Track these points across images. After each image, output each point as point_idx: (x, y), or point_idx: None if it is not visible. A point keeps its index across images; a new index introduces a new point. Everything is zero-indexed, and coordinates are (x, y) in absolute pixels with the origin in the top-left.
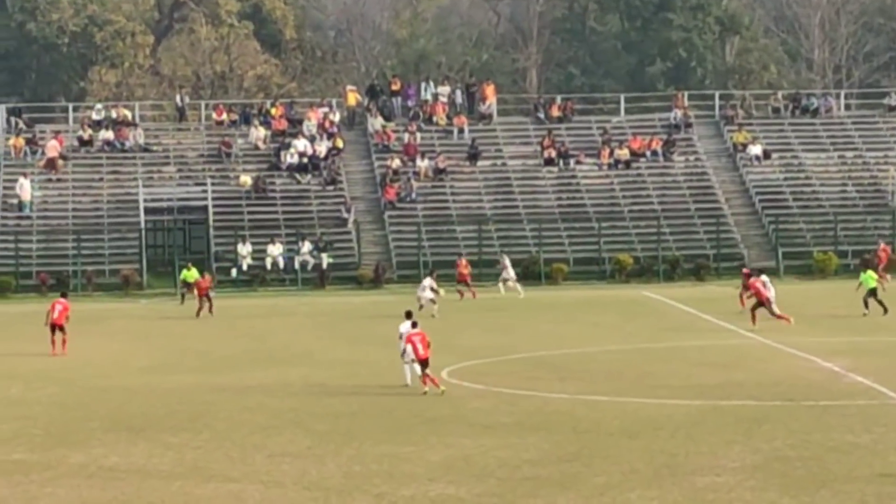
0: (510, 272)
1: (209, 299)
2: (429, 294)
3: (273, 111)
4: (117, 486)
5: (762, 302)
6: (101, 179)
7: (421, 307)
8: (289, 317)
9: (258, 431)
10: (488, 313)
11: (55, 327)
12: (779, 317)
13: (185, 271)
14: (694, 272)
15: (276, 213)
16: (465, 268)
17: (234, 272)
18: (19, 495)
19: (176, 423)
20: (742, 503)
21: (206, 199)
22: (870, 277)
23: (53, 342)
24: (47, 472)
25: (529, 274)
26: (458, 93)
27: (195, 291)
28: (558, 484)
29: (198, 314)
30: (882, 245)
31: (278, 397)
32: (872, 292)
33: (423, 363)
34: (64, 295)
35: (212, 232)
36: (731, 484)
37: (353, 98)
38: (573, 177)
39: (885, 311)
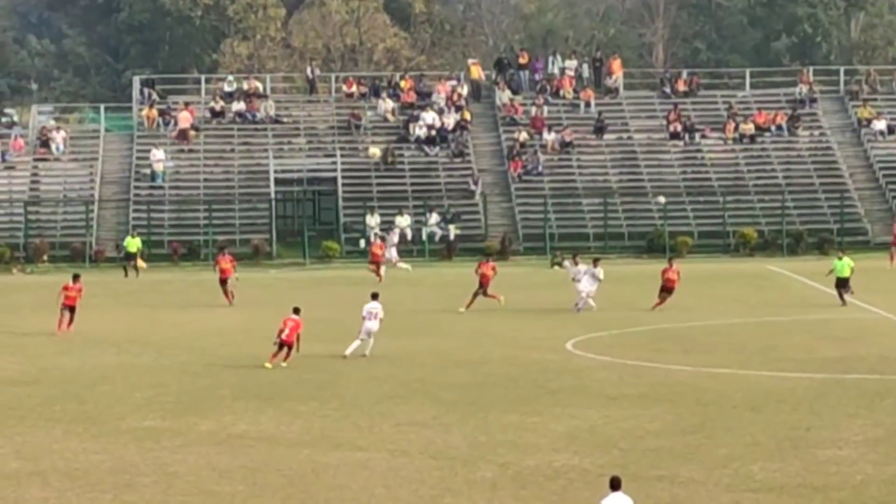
0: (393, 252)
1: (225, 287)
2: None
3: (402, 84)
4: (246, 453)
5: None
6: (232, 150)
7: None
8: (416, 287)
9: (385, 400)
10: (615, 285)
11: (68, 308)
12: None
13: (128, 239)
14: (818, 246)
15: (404, 184)
16: (378, 248)
17: (362, 243)
18: (150, 461)
19: (304, 392)
20: (863, 476)
21: (335, 170)
22: (846, 265)
23: (60, 323)
24: (177, 438)
25: (654, 247)
26: (585, 67)
27: (137, 262)
28: (681, 455)
29: (229, 300)
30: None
31: (405, 367)
32: (843, 283)
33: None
34: (77, 278)
35: (340, 203)
36: (854, 457)
37: (475, 71)
38: (698, 151)
39: (843, 303)
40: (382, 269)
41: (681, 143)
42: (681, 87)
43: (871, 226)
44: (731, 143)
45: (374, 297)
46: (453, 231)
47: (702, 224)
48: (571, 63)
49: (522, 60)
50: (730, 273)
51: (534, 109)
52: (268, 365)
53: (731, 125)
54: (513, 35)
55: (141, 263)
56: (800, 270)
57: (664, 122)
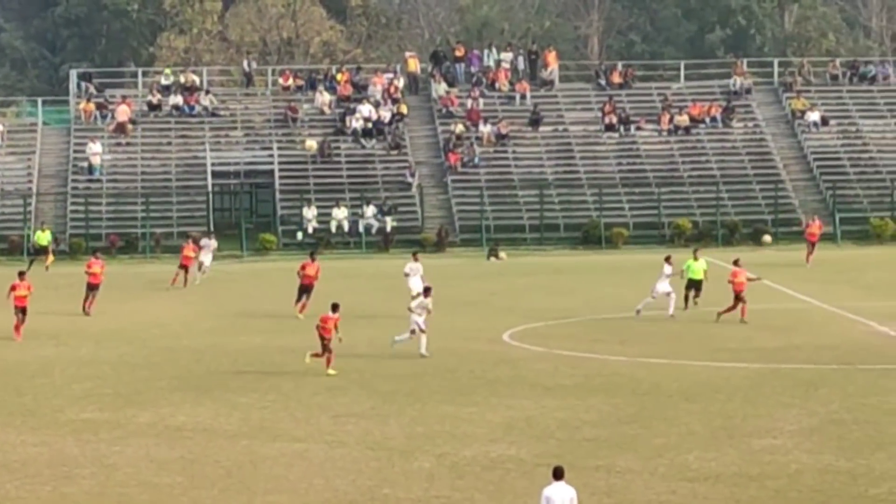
0: (208, 259)
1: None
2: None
3: (338, 77)
4: (184, 444)
5: None
6: (169, 144)
7: None
8: (353, 279)
9: (322, 392)
10: (551, 276)
11: (20, 310)
12: None
13: (38, 233)
14: (752, 237)
15: (341, 177)
16: (191, 251)
17: (299, 235)
18: (89, 453)
19: (243, 384)
20: (798, 465)
21: (272, 163)
22: (700, 268)
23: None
24: (116, 430)
25: (590, 238)
26: (521, 59)
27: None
28: (617, 445)
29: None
30: (815, 222)
31: (343, 358)
32: (695, 285)
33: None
34: (22, 275)
35: (278, 196)
36: (788, 446)
37: (413, 64)
38: (633, 142)
39: (686, 307)
40: (194, 273)
41: (616, 134)
42: (616, 79)
43: (805, 216)
44: (665, 134)
45: (427, 291)
46: (390, 223)
47: (637, 215)
48: (507, 55)
49: (458, 53)
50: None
51: (470, 102)
52: (331, 372)
53: (666, 117)
54: (448, 28)
55: (50, 258)
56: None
57: (599, 114)
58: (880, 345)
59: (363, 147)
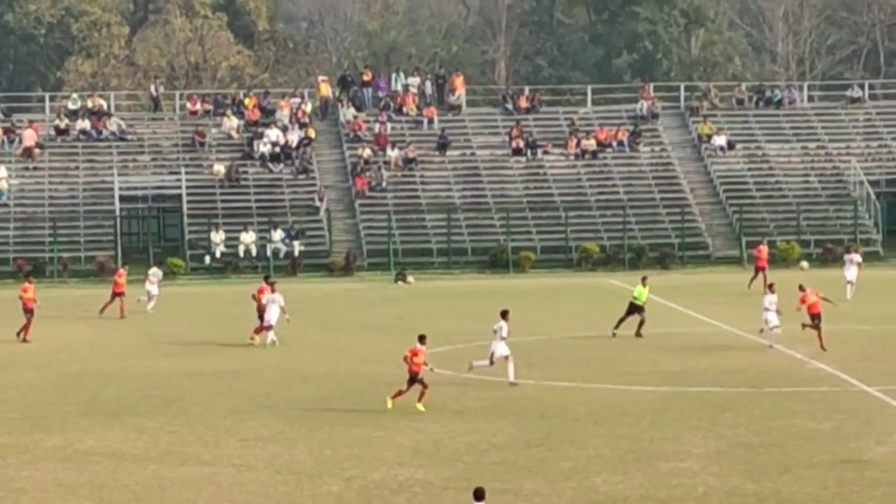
0: (154, 288)
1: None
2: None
3: (246, 101)
4: (93, 469)
5: None
6: (76, 168)
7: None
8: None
9: (231, 416)
10: (458, 300)
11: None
12: None
13: None
14: (659, 261)
15: (248, 201)
16: (120, 276)
17: (207, 259)
18: None
19: (151, 408)
20: (705, 488)
21: (180, 187)
22: (643, 295)
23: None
24: (24, 455)
25: (497, 262)
26: (428, 84)
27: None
28: (525, 468)
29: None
30: (764, 246)
31: (251, 382)
32: (637, 310)
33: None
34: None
35: (185, 220)
36: (695, 469)
37: (325, 89)
38: (540, 167)
39: (616, 326)
40: (144, 302)
41: (523, 159)
42: (523, 103)
43: (712, 240)
44: (572, 158)
45: (503, 315)
46: (298, 247)
47: (544, 239)
48: (414, 80)
49: (366, 77)
50: (572, 287)
51: (377, 126)
52: (421, 407)
53: (573, 141)
54: (356, 52)
55: None
56: None
57: (506, 139)
58: (786, 368)
59: (271, 171)
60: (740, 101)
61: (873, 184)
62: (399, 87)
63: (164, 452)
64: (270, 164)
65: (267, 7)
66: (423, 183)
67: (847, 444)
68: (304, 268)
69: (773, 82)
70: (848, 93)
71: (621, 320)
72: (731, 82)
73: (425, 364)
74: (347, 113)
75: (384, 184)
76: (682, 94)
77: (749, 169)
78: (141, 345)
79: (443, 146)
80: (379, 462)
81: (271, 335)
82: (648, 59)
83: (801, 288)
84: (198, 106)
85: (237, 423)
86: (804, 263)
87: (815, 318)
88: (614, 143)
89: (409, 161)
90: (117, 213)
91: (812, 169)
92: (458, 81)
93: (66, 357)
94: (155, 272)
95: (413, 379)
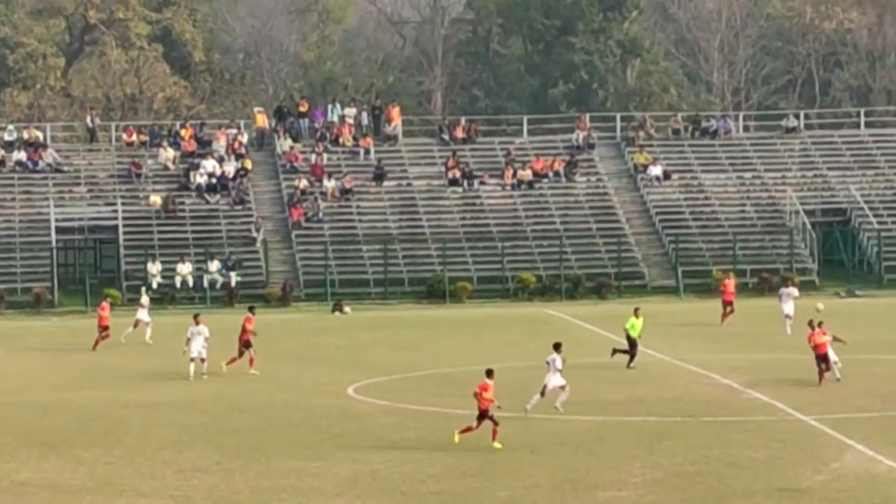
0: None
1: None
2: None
3: (182, 132)
4: (29, 500)
5: None
6: (13, 199)
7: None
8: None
9: (168, 447)
10: (395, 330)
11: None
12: None
13: None
14: (595, 290)
15: (185, 232)
16: (104, 310)
17: (143, 291)
18: None
19: (88, 439)
20: None
21: (116, 218)
22: (639, 327)
23: None
24: None
25: (434, 292)
26: (365, 114)
27: None
28: (462, 498)
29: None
30: (731, 279)
31: (188, 413)
32: (634, 343)
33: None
34: None
35: (122, 251)
36: (633, 498)
37: (261, 119)
38: (477, 197)
39: (613, 352)
40: (140, 332)
41: (459, 189)
42: (459, 134)
43: (648, 269)
44: (509, 189)
45: (556, 347)
46: (235, 278)
47: (481, 269)
48: (351, 111)
49: (302, 108)
50: (509, 317)
51: (314, 157)
52: (496, 445)
53: (509, 171)
54: (292, 83)
55: None
56: (578, 314)
57: (443, 169)
58: (723, 397)
59: (207, 202)
60: (676, 132)
61: (809, 213)
62: (335, 118)
63: (102, 484)
64: (207, 195)
65: (203, 38)
66: (359, 213)
67: (784, 472)
68: (240, 298)
69: (709, 112)
70: (783, 122)
71: (631, 355)
72: (667, 112)
73: (492, 401)
74: (284, 144)
75: (321, 214)
76: (618, 124)
77: (685, 199)
78: (77, 376)
79: (379, 177)
80: (316, 493)
81: (192, 367)
82: (584, 90)
83: (811, 325)
84: (134, 137)
85: (174, 454)
86: (819, 305)
87: (821, 358)
88: (550, 174)
89: (345, 192)
90: (53, 244)
91: (748, 199)
92: (395, 112)
93: (2, 388)
94: (146, 300)
95: (483, 415)
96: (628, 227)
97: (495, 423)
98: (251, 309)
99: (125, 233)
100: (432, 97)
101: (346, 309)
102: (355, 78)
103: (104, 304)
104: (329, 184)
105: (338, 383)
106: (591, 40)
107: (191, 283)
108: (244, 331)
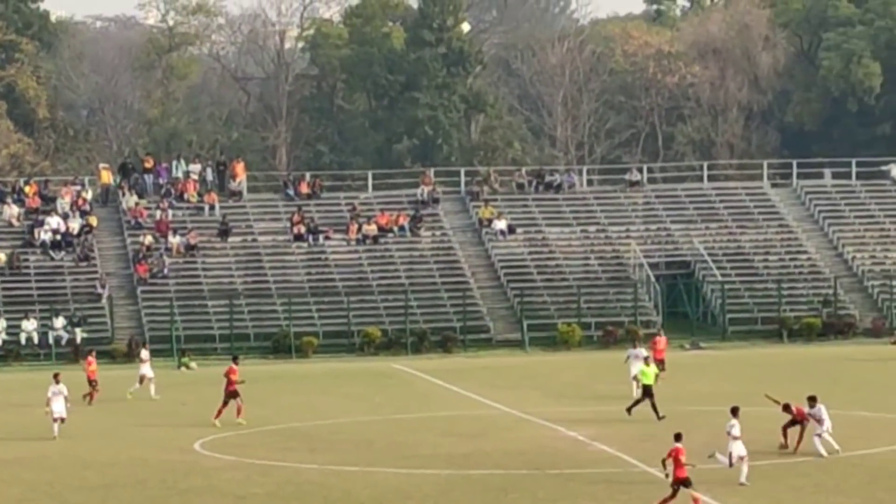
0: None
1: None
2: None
3: (27, 189)
4: None
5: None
6: None
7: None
8: (43, 391)
9: None
10: (241, 385)
11: None
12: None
13: None
14: (441, 344)
15: (30, 288)
16: (90, 364)
17: None
18: None
19: None
20: None
21: None
22: (651, 374)
23: None
24: None
25: (280, 347)
26: (209, 170)
27: None
28: None
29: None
30: (661, 337)
31: (34, 470)
32: (648, 390)
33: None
34: None
35: None
36: None
37: (106, 176)
38: (322, 252)
39: (659, 417)
40: (147, 387)
41: (305, 244)
42: (304, 189)
43: (494, 323)
44: (354, 243)
45: (734, 412)
46: (80, 334)
47: (327, 324)
48: (195, 167)
49: (147, 165)
50: (355, 372)
51: (159, 213)
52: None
53: (354, 226)
54: (137, 140)
55: None
56: (424, 368)
57: (288, 224)
58: (568, 449)
59: (52, 259)
60: (520, 186)
61: (653, 266)
62: (180, 174)
63: None
64: (52, 252)
65: (47, 95)
66: (204, 269)
67: None
68: (86, 355)
69: (553, 166)
70: (627, 176)
71: (653, 406)
72: (512, 167)
73: (689, 464)
74: (129, 200)
75: (166, 270)
76: (463, 178)
77: (529, 252)
78: None
79: (224, 232)
80: None
81: (56, 427)
82: (429, 145)
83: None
84: None
85: None
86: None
87: (798, 423)
88: (395, 228)
89: (190, 247)
90: None
91: (592, 252)
92: (239, 168)
93: None
94: (145, 354)
95: (680, 482)
96: (473, 281)
97: (692, 490)
98: (235, 359)
99: None
100: (277, 153)
101: (192, 364)
102: (200, 134)
103: (90, 358)
104: (174, 240)
105: (184, 439)
106: (434, 95)
107: (36, 340)
108: (230, 381)
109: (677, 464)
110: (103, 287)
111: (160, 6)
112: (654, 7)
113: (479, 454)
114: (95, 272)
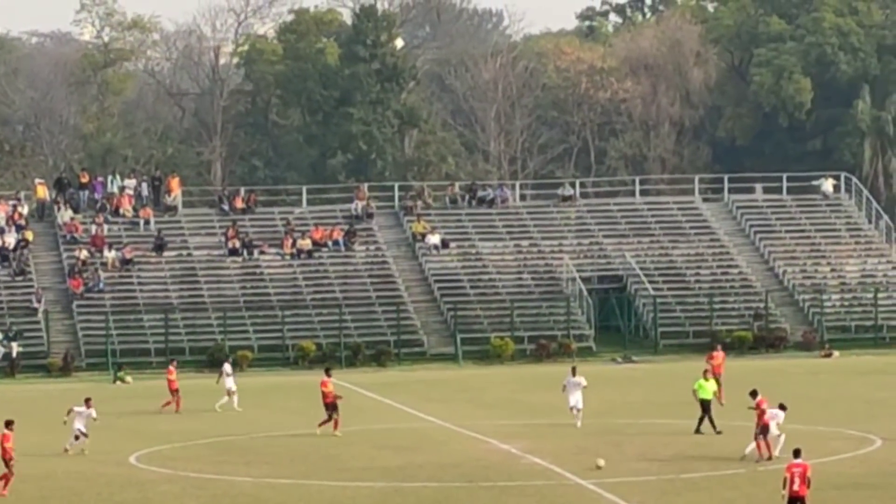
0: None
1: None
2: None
3: None
4: None
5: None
6: None
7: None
8: None
9: None
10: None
11: None
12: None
13: None
14: (375, 358)
15: None
16: (171, 374)
17: None
18: None
19: None
20: None
21: None
22: (709, 389)
23: None
24: None
25: (215, 361)
26: (145, 185)
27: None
28: None
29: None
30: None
31: None
32: (706, 406)
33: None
34: None
35: None
36: None
37: (41, 191)
38: (257, 266)
39: (716, 430)
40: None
41: (239, 258)
42: (239, 204)
43: (427, 337)
44: (288, 258)
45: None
46: (16, 349)
47: (261, 338)
48: (131, 182)
49: (83, 180)
50: (290, 385)
51: (94, 228)
52: None
53: (289, 241)
54: (72, 155)
55: None
56: (358, 382)
57: (223, 239)
58: (501, 462)
59: None
60: (454, 201)
61: (585, 280)
62: (115, 189)
63: None
64: None
65: None
66: (140, 283)
67: None
68: (22, 369)
69: (486, 181)
70: (559, 191)
71: (710, 420)
72: (445, 182)
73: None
74: (64, 215)
75: (101, 284)
76: (397, 193)
77: (463, 267)
78: None
79: (159, 247)
80: None
81: (80, 442)
82: (363, 160)
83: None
84: None
85: None
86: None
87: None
88: (330, 243)
89: (125, 262)
90: None
91: (525, 266)
92: (175, 183)
93: None
94: (228, 368)
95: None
96: (407, 295)
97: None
98: (327, 371)
99: None
100: (212, 168)
101: (127, 378)
102: (135, 149)
103: (171, 367)
104: (109, 254)
105: (120, 452)
106: (368, 111)
107: None
108: (326, 394)
109: (801, 479)
110: (39, 301)
111: (95, 22)
112: (587, 23)
113: (414, 467)
114: (31, 286)
